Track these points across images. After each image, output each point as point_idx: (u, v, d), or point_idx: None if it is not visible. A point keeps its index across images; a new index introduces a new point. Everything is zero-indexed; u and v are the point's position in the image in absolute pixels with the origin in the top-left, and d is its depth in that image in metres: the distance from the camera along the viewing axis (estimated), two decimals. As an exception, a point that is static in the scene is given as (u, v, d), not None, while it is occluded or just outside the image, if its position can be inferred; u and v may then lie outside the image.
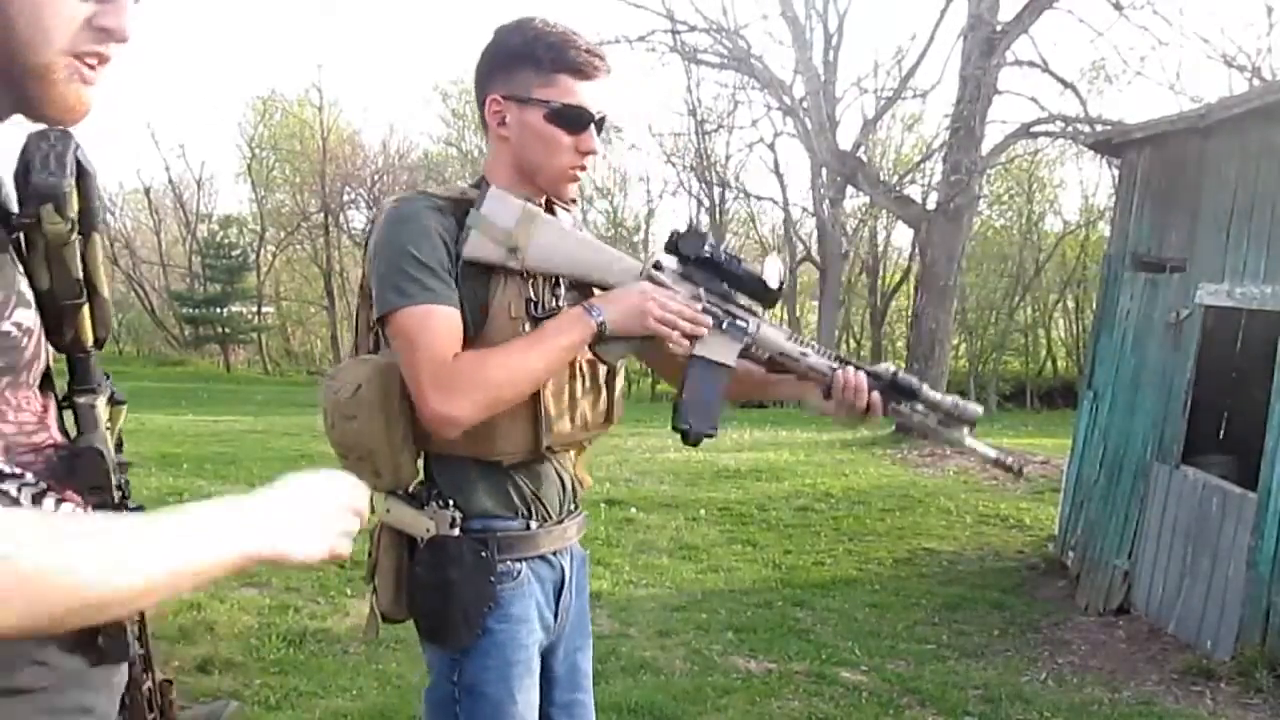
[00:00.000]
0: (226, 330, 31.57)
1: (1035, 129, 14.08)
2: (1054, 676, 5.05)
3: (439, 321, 1.59)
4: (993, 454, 1.87)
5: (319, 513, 1.08)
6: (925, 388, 1.83)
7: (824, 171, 18.99)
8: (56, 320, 1.06)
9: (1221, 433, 6.66)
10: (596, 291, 1.74)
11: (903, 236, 27.17)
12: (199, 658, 4.28)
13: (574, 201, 1.82)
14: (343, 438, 1.68)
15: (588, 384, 1.77)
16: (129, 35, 0.99)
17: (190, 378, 26.52)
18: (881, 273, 29.26)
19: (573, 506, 1.85)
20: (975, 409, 1.84)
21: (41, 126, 1.02)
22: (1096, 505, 6.74)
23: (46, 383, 1.07)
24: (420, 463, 1.74)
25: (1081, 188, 31.38)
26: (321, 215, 30.71)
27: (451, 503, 1.69)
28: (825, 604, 5.99)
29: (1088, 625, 5.94)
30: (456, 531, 1.68)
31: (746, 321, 1.76)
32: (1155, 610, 5.85)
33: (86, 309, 1.08)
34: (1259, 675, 4.74)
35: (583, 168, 1.75)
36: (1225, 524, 5.38)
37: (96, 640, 1.03)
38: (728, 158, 28.07)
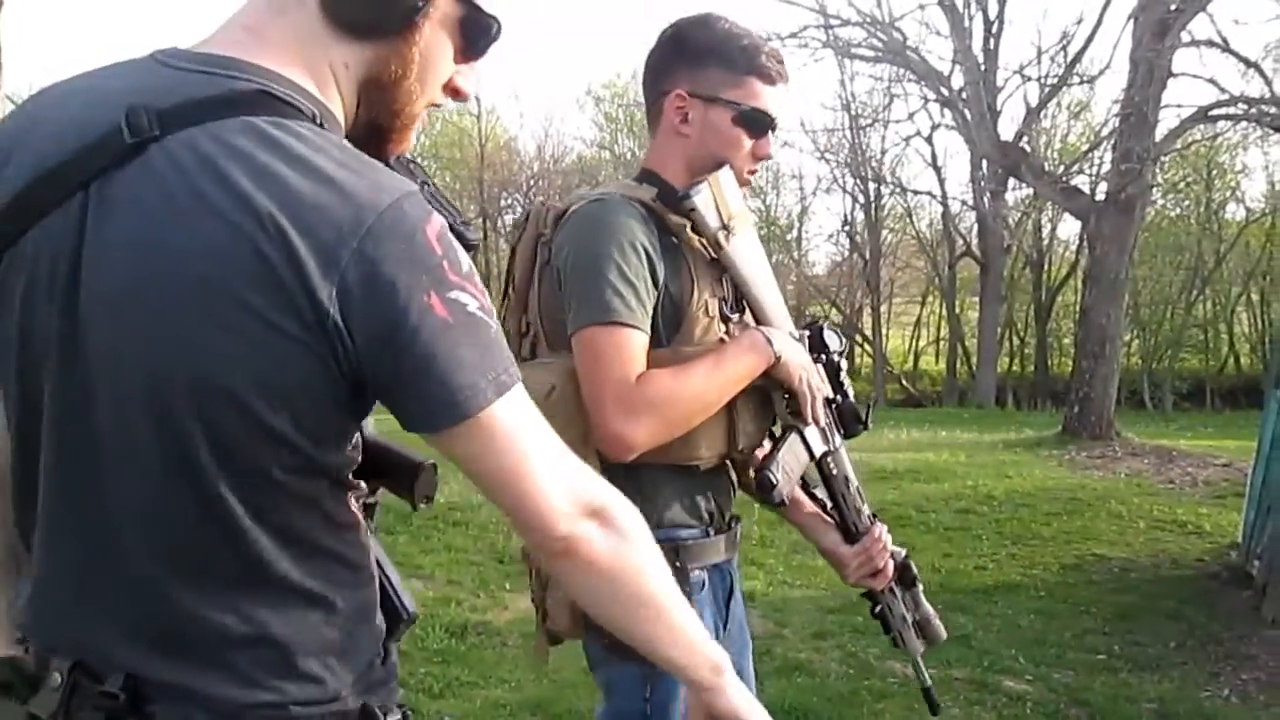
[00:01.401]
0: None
1: (1214, 112, 13.26)
2: (1237, 693, 4.75)
3: (633, 344, 1.57)
4: (927, 681, 1.93)
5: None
6: (920, 586, 1.88)
7: (985, 163, 18.39)
8: None
9: None
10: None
11: (1069, 229, 26.13)
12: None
13: None
14: None
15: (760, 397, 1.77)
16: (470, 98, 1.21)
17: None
18: (1046, 267, 28.15)
19: (735, 513, 1.86)
20: (942, 633, 1.90)
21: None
22: (1285, 512, 6.32)
23: None
24: None
25: (1267, 173, 29.44)
26: (480, 220, 31.62)
27: None
28: (987, 610, 5.80)
29: (1276, 639, 5.57)
30: None
31: (834, 435, 1.81)
32: (1353, 626, 5.44)
33: None
34: None
35: (754, 172, 1.77)
36: None
37: None
38: (883, 152, 27.54)
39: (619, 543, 1.11)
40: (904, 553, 1.85)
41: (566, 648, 4.76)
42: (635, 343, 1.57)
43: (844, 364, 1.82)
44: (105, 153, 0.95)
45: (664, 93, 1.70)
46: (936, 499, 9.02)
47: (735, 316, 1.71)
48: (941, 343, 32.46)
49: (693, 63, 1.68)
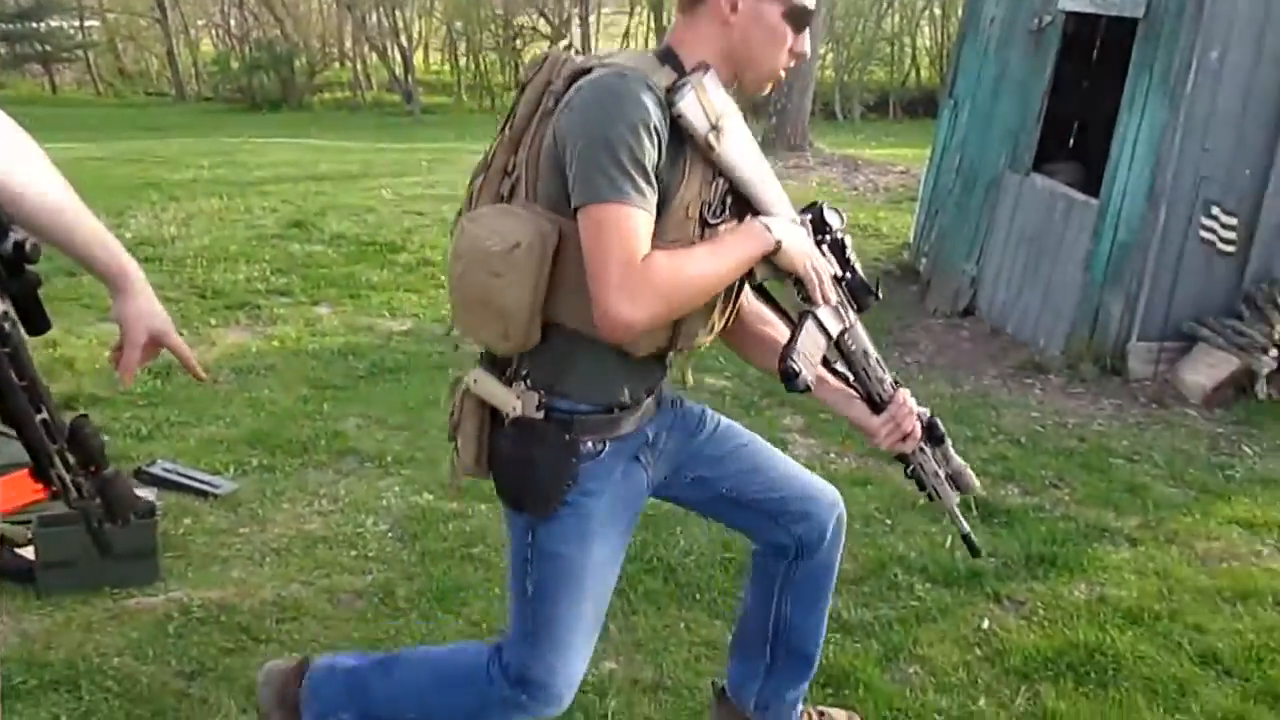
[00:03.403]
0: (47, 48, 28.86)
1: None
2: (902, 374, 5.40)
3: (640, 224, 1.52)
4: (965, 528, 2.00)
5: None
6: (949, 441, 1.94)
7: None
8: None
9: (1071, 142, 6.89)
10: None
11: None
12: (61, 395, 4.20)
13: None
14: (481, 292, 1.61)
15: (724, 293, 1.74)
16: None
17: (10, 102, 24.47)
18: (750, -22, 28.24)
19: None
20: (975, 481, 1.97)
21: None
22: (950, 213, 7.00)
23: None
24: None
25: (954, -115, 30.32)
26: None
27: (539, 386, 1.67)
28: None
29: (935, 327, 6.32)
30: (541, 415, 1.67)
31: (847, 312, 1.83)
32: (997, 312, 6.24)
33: None
34: (1083, 368, 5.18)
35: (790, 68, 1.72)
36: (1067, 230, 5.68)
37: None
38: None
39: None
40: (928, 412, 1.92)
41: (279, 381, 4.66)
42: (642, 225, 1.53)
43: (848, 240, 1.83)
44: None
45: None
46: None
47: (717, 222, 1.66)
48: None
49: None
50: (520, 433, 1.68)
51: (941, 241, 7.04)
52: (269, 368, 4.82)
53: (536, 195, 1.63)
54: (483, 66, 31.49)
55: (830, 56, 26.31)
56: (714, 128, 1.59)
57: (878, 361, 1.86)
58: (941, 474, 1.94)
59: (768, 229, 1.66)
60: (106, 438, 3.87)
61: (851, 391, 1.87)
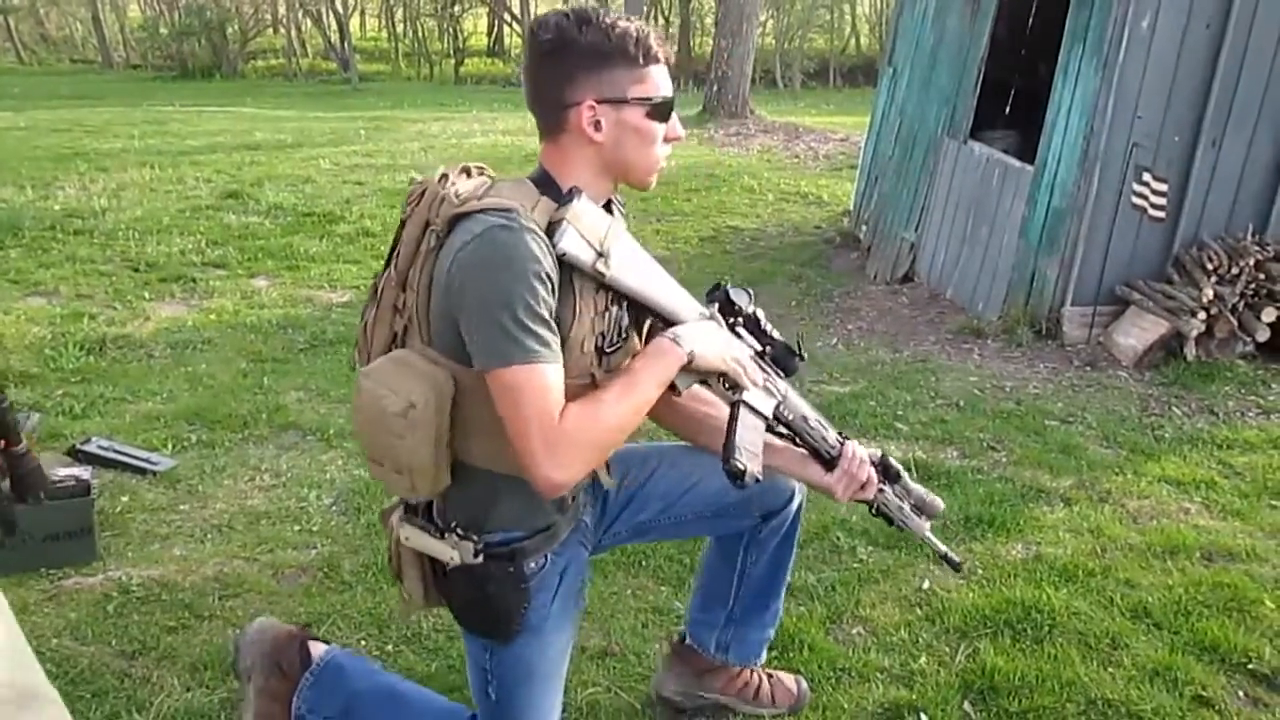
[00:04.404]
0: (-37, 11, 27.91)
1: None
2: (844, 341, 5.46)
3: (552, 381, 1.51)
4: (942, 549, 2.02)
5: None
6: (905, 475, 1.94)
7: None
8: None
9: (1008, 109, 6.97)
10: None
11: (712, -97, 25.92)
12: (-10, 371, 4.10)
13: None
14: (384, 452, 1.60)
15: None
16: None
17: (-71, 67, 23.60)
18: (689, -57, 28.11)
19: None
20: (939, 504, 1.98)
21: None
22: (890, 180, 7.06)
23: None
24: None
25: None
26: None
27: (470, 529, 1.68)
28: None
29: (876, 293, 6.39)
30: (480, 559, 1.67)
31: (779, 383, 1.81)
32: (936, 278, 6.33)
33: None
34: (1020, 332, 5.27)
35: (668, 156, 1.70)
36: (1004, 196, 5.76)
37: None
38: None
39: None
40: (879, 452, 1.93)
41: (218, 355, 4.57)
42: (555, 380, 1.52)
43: (760, 313, 1.81)
44: None
45: (570, 104, 1.60)
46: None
47: (614, 350, 1.66)
48: (590, 23, 32.01)
49: (593, 69, 1.59)
50: (466, 577, 1.70)
51: (881, 208, 7.10)
52: (206, 341, 4.74)
53: (431, 340, 1.61)
54: (420, 33, 31.02)
55: (770, 24, 26.31)
56: (600, 254, 1.58)
57: (819, 421, 1.87)
58: (905, 506, 1.96)
59: (677, 342, 1.65)
60: (39, 415, 3.80)
61: (802, 451, 1.88)
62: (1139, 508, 3.46)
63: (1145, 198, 5.11)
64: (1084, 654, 2.57)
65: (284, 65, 27.85)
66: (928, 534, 2.00)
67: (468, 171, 1.68)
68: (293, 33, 29.16)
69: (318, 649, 2.03)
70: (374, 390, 1.58)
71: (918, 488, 1.97)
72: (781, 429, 1.83)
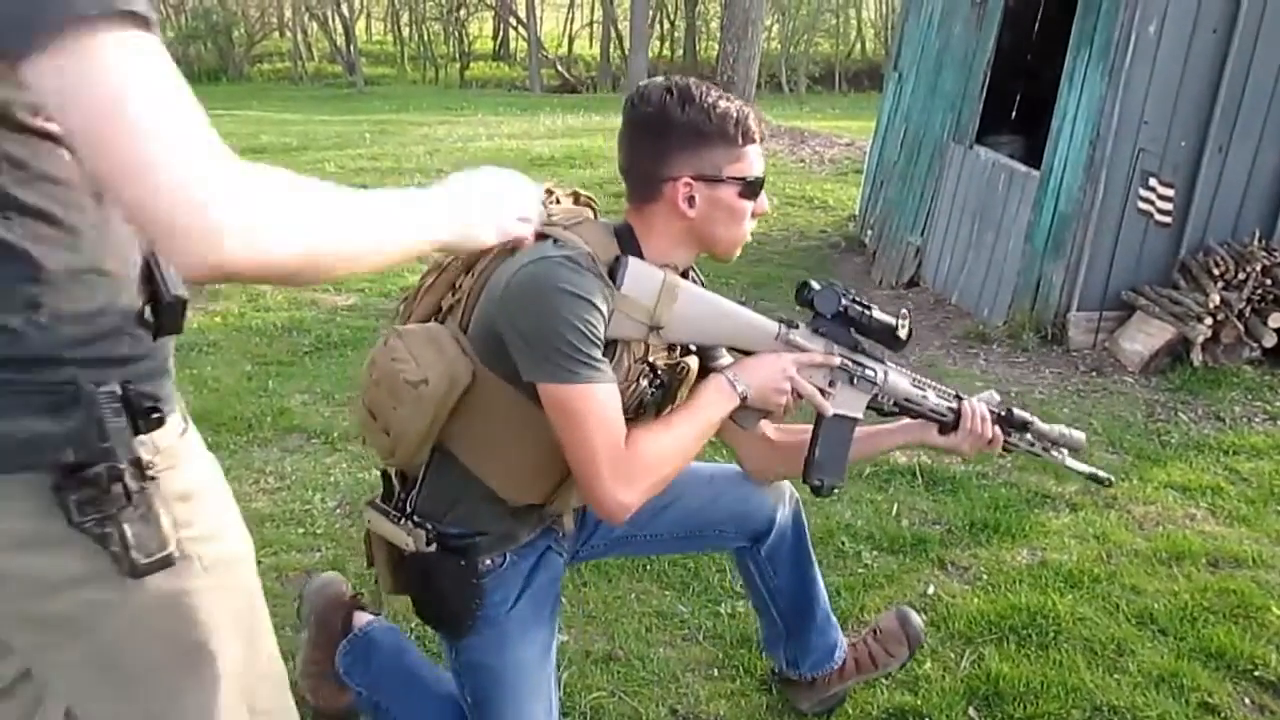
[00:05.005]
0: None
1: None
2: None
3: (611, 401, 1.54)
4: (1087, 470, 2.02)
5: (496, 203, 1.33)
6: (1036, 420, 1.93)
7: None
8: None
9: (1014, 114, 6.97)
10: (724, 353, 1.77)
11: (718, -92, 25.94)
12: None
13: None
14: (381, 411, 1.64)
15: None
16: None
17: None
18: (696, -52, 28.14)
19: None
20: (1080, 438, 1.96)
21: None
22: (895, 185, 7.06)
23: None
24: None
25: None
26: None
27: (427, 518, 1.70)
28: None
29: (881, 298, 6.38)
30: (433, 548, 1.68)
31: (875, 372, 1.79)
32: (941, 283, 6.32)
33: None
34: (1025, 337, 5.26)
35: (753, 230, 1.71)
36: (1009, 201, 5.75)
37: None
38: None
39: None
40: (998, 400, 1.92)
41: (222, 358, 4.57)
42: (612, 398, 1.54)
43: (854, 304, 1.77)
44: None
45: (666, 179, 1.61)
46: (592, 185, 9.23)
47: (657, 393, 1.69)
48: (595, 26, 32.18)
49: (691, 147, 1.60)
50: (419, 566, 1.71)
51: (887, 213, 7.10)
52: (211, 344, 4.74)
53: (465, 330, 1.64)
54: (426, 36, 31.08)
55: (776, 28, 26.32)
56: (652, 328, 1.61)
57: (927, 392, 1.86)
58: (1037, 445, 1.96)
59: (733, 384, 1.67)
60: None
61: (916, 422, 1.89)
62: (1145, 513, 3.45)
63: (1151, 203, 5.10)
64: (1089, 660, 2.57)
65: (290, 68, 27.94)
66: (1068, 462, 1.99)
67: (575, 196, 1.73)
68: (299, 36, 29.24)
69: (361, 619, 2.10)
70: (397, 350, 1.62)
71: (1052, 429, 1.96)
72: (891, 408, 1.84)
